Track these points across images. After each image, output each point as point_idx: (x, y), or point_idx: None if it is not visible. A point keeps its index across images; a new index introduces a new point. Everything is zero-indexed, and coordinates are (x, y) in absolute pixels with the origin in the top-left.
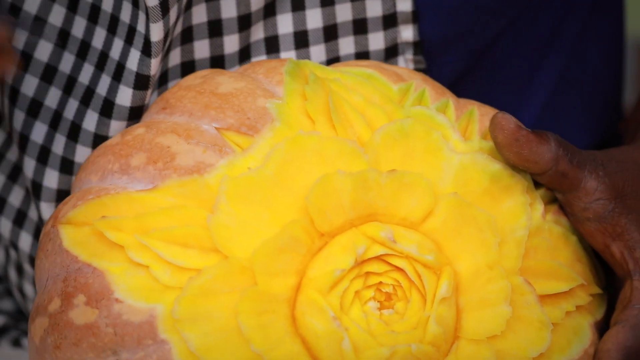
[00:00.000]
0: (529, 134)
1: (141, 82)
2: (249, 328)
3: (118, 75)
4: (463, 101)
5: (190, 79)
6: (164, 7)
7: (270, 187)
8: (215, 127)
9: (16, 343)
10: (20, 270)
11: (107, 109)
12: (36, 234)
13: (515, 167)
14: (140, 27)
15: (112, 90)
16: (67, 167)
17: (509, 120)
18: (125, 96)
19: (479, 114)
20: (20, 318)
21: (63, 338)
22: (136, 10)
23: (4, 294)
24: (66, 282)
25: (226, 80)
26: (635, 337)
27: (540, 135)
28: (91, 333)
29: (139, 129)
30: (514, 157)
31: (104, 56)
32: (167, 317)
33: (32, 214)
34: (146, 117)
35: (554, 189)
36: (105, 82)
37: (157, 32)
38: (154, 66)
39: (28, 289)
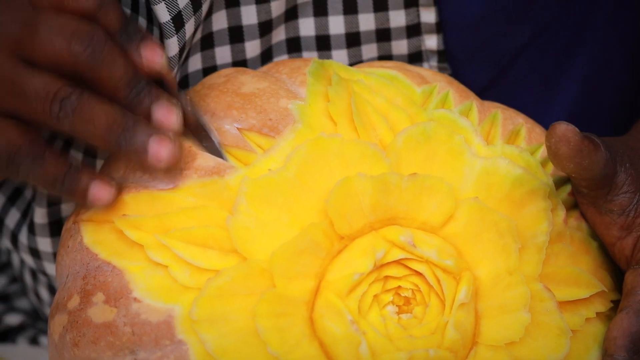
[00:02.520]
0: (589, 144)
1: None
2: (267, 330)
3: None
4: (487, 104)
5: (214, 77)
6: (178, 22)
7: (290, 189)
8: (237, 128)
9: (34, 341)
10: (34, 275)
11: None
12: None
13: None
14: None
15: None
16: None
17: (574, 132)
18: None
19: (502, 117)
20: (37, 318)
21: (81, 336)
22: (150, 25)
23: (21, 293)
24: (86, 279)
25: (249, 80)
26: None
27: (593, 142)
28: (109, 332)
29: None
30: (575, 167)
31: None
32: (185, 318)
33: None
34: None
35: (589, 189)
36: None
37: (172, 47)
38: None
39: (43, 293)
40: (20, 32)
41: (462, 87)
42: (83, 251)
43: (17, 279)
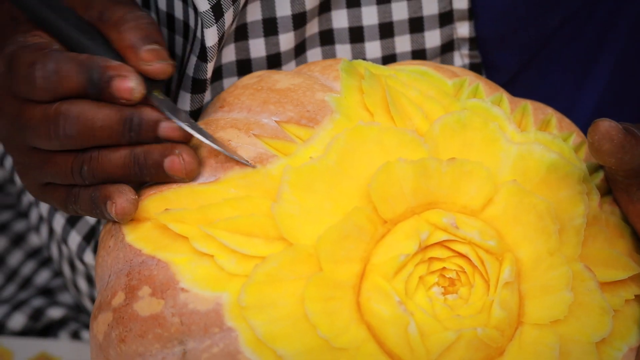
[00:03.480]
0: (632, 139)
1: (198, 87)
2: (316, 314)
3: (179, 81)
4: (516, 98)
5: (246, 79)
6: (217, 11)
7: (332, 176)
8: (275, 121)
9: (75, 336)
10: (72, 266)
11: None
12: (86, 237)
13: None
14: (199, 32)
15: (174, 95)
16: None
17: (617, 129)
18: (184, 101)
19: (532, 108)
20: (80, 310)
21: (128, 331)
22: (197, 16)
23: (63, 287)
24: (130, 275)
25: (283, 78)
26: None
27: (635, 136)
28: (157, 324)
29: None
30: (616, 162)
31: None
32: (233, 305)
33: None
34: (204, 117)
35: (624, 178)
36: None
37: (211, 37)
38: (210, 70)
39: (82, 284)
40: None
41: (490, 82)
42: (125, 249)
43: (61, 272)
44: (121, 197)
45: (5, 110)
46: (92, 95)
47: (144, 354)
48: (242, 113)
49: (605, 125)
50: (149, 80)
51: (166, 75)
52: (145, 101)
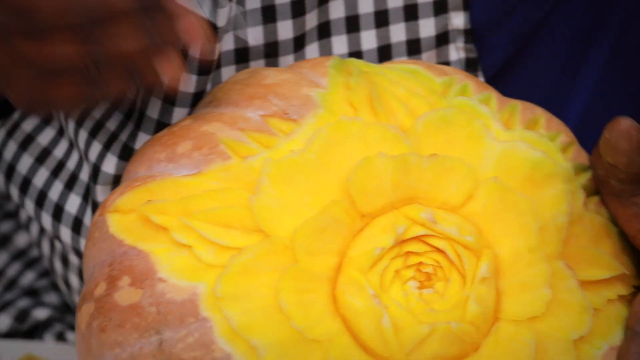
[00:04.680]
0: None
1: (204, 68)
2: (290, 305)
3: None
4: (506, 98)
5: (239, 75)
6: None
7: (312, 170)
8: (259, 115)
9: (60, 337)
10: (65, 261)
11: (171, 96)
12: (74, 227)
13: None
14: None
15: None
16: (127, 154)
17: (637, 129)
18: (189, 83)
19: (521, 108)
20: (65, 311)
21: (108, 320)
22: None
23: (49, 288)
24: (112, 266)
25: (272, 74)
26: None
27: None
28: (135, 313)
29: (185, 121)
30: (627, 162)
31: None
32: (209, 295)
33: (70, 207)
34: (194, 112)
35: (622, 182)
36: None
37: (223, 17)
38: (218, 51)
39: (73, 280)
40: None
41: (480, 81)
42: (109, 240)
43: (46, 273)
44: (171, 52)
45: None
46: None
47: (122, 343)
48: (229, 108)
49: (627, 124)
50: None
51: None
52: None
